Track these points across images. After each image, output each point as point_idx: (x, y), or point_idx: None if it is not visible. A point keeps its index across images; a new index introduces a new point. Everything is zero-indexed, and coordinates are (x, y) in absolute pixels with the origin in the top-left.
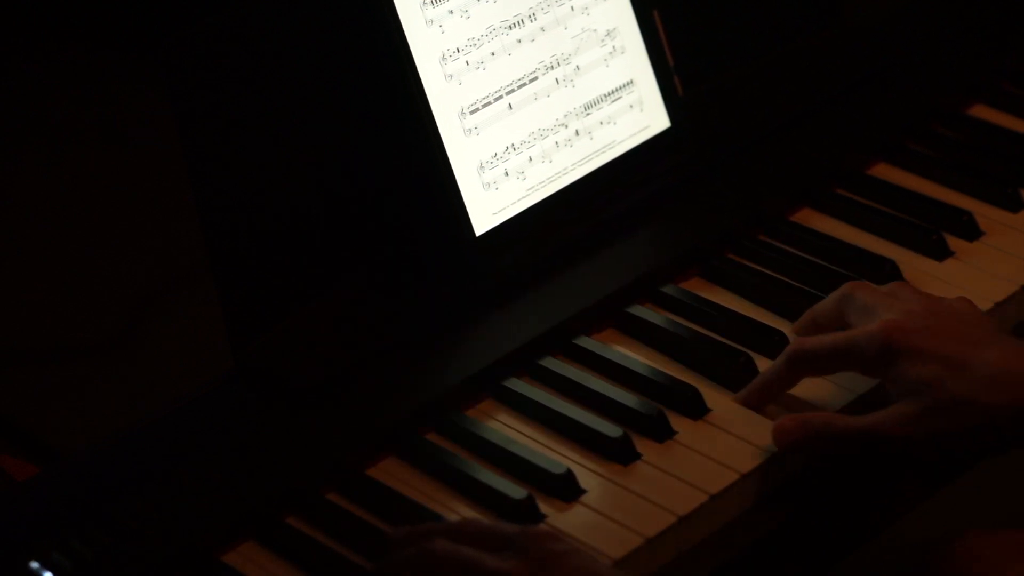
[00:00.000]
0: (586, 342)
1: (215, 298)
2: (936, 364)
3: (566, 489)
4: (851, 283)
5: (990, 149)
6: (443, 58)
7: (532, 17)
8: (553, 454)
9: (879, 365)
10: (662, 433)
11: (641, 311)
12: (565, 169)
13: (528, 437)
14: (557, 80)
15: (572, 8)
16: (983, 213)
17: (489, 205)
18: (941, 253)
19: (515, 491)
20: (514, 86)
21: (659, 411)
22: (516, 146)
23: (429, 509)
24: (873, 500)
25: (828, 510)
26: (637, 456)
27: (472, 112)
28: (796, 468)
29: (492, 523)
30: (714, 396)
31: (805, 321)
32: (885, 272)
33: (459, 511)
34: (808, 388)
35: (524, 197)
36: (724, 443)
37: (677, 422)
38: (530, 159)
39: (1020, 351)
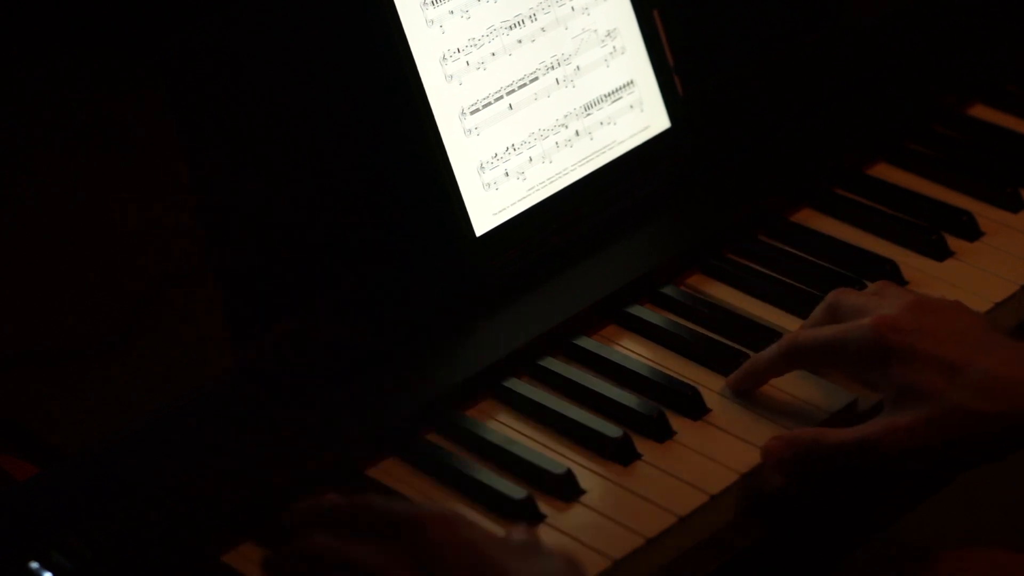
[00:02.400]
0: (586, 342)
1: (215, 298)
2: (931, 370)
3: (566, 489)
4: (835, 291)
5: (990, 149)
6: (443, 58)
7: (532, 17)
8: (553, 454)
9: (871, 363)
10: (662, 433)
11: (641, 311)
12: (565, 169)
13: (528, 437)
14: (557, 80)
15: (572, 8)
16: (983, 213)
17: (489, 205)
18: (941, 253)
19: (515, 491)
20: (514, 86)
21: (659, 411)
22: (516, 146)
23: None
24: (872, 499)
25: (829, 508)
26: (637, 456)
27: (472, 112)
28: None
29: (383, 506)
30: (714, 396)
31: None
32: (885, 272)
33: (459, 511)
34: (808, 389)
35: (524, 197)
36: (724, 443)
37: (677, 422)
38: (530, 159)
39: (1011, 354)
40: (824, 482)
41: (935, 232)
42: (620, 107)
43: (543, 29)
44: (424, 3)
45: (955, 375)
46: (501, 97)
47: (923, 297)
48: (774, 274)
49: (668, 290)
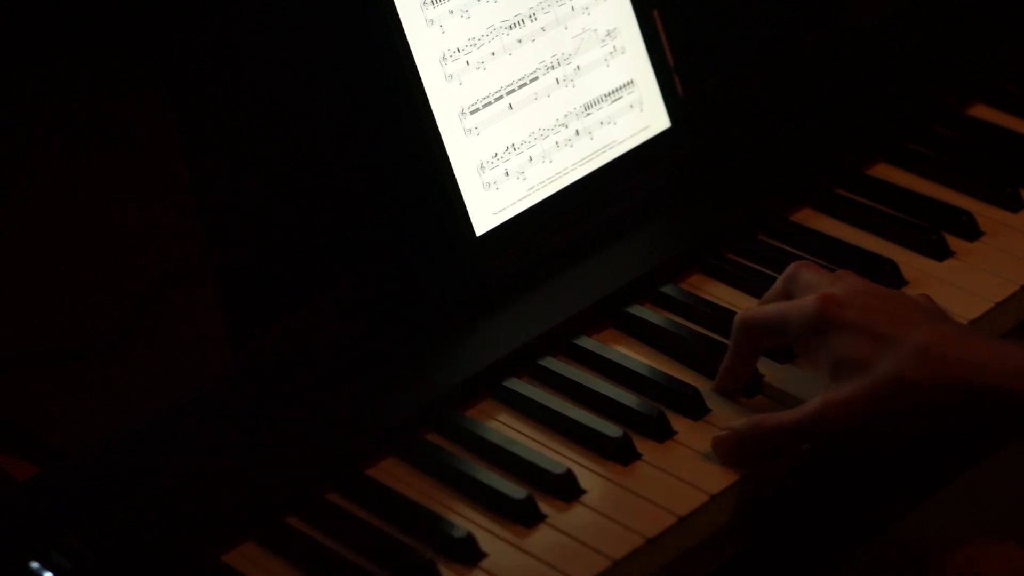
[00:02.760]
0: (586, 342)
1: (215, 298)
2: (867, 342)
3: (566, 489)
4: (797, 263)
5: (990, 149)
6: (443, 58)
7: (532, 17)
8: (553, 454)
9: (811, 336)
10: (662, 433)
11: (641, 311)
12: (565, 169)
13: (528, 437)
14: (557, 80)
15: (572, 8)
16: (983, 213)
17: (489, 205)
18: (941, 253)
19: (515, 491)
20: (514, 86)
21: (659, 411)
22: (516, 146)
23: (429, 509)
24: (873, 498)
25: (829, 509)
26: (637, 456)
27: (472, 112)
28: (796, 469)
29: None
30: (714, 396)
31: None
32: (885, 272)
33: (459, 511)
34: (808, 389)
35: (524, 197)
36: None
37: (677, 422)
38: (530, 159)
39: (952, 333)
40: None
41: (935, 232)
42: (620, 107)
43: (543, 29)
44: (424, 3)
45: (889, 346)
46: (501, 97)
47: (876, 284)
48: (774, 274)
49: (668, 290)
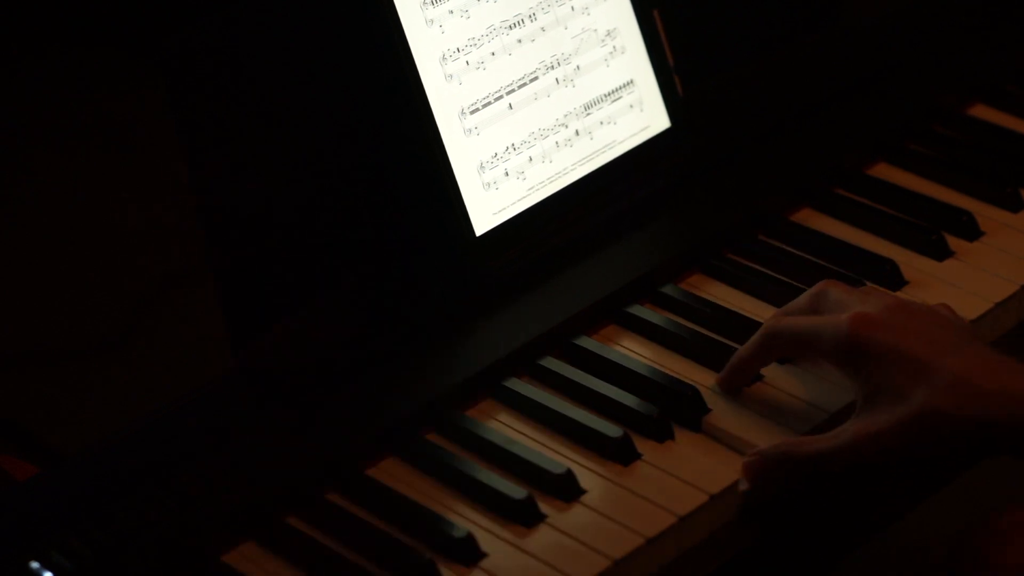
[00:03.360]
0: (586, 342)
1: (215, 298)
2: (902, 370)
3: (566, 489)
4: (826, 280)
5: (990, 149)
6: (443, 58)
7: (532, 17)
8: (553, 454)
9: (845, 356)
10: (662, 433)
11: (641, 311)
12: (565, 169)
13: (528, 437)
14: (557, 80)
15: (572, 8)
16: (983, 213)
17: (489, 205)
18: (941, 253)
19: (515, 491)
20: (514, 86)
21: (659, 411)
22: (516, 146)
23: (429, 509)
24: (872, 499)
25: (829, 508)
26: (637, 456)
27: (472, 112)
28: None
29: None
30: (714, 396)
31: (779, 314)
32: (885, 272)
33: (459, 511)
34: (808, 388)
35: (524, 197)
36: (725, 442)
37: (677, 422)
38: (530, 159)
39: (985, 361)
40: (813, 485)
41: (935, 232)
42: (620, 107)
43: (543, 29)
44: (424, 3)
45: (925, 375)
46: (501, 97)
47: (905, 300)
48: (774, 274)
49: (668, 290)
